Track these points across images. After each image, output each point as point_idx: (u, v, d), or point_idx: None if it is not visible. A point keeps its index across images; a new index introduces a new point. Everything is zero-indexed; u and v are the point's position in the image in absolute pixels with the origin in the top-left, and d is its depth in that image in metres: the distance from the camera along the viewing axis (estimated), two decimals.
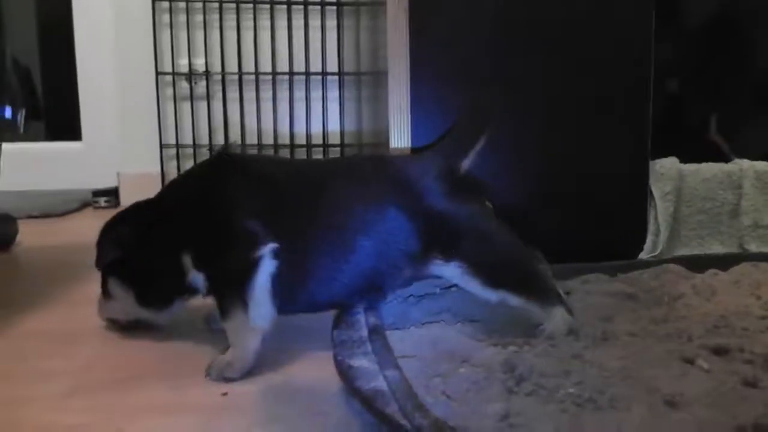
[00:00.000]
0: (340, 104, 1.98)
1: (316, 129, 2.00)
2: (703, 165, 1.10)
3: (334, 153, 1.99)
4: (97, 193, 1.97)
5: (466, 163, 0.81)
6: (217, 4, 1.94)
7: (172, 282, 0.78)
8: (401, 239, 0.75)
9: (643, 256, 1.04)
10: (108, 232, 0.83)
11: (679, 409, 0.57)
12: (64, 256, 1.36)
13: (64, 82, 2.18)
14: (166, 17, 1.95)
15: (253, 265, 0.70)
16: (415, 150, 0.94)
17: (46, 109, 2.42)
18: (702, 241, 1.07)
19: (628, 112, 1.04)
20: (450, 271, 0.75)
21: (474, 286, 0.75)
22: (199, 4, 1.94)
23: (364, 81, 1.58)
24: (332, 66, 1.98)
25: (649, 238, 1.04)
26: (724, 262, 0.97)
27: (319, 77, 1.99)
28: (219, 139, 1.97)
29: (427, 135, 0.94)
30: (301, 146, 2.01)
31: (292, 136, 2.00)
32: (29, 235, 1.46)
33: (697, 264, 0.97)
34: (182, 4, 1.94)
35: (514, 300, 0.74)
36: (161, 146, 1.96)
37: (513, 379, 0.61)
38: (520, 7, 1.00)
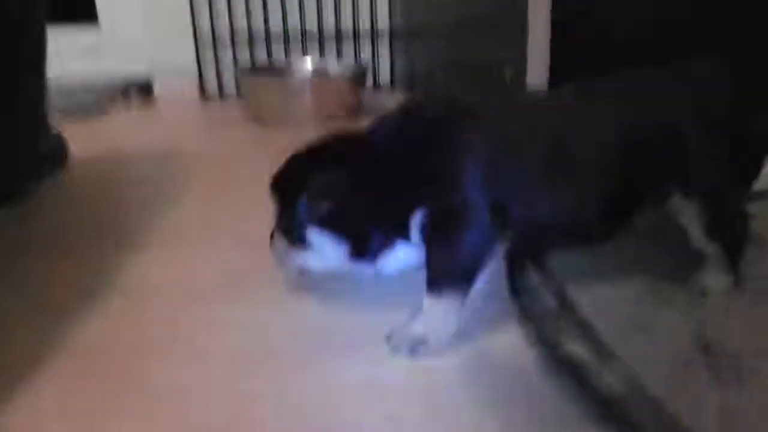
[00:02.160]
0: None
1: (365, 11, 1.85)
2: None
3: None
4: (127, 88, 1.82)
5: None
6: None
7: (394, 238, 0.67)
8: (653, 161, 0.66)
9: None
10: (312, 181, 0.68)
11: None
12: (122, 174, 1.25)
13: None
14: None
15: (485, 256, 0.63)
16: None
17: None
18: None
19: None
20: (683, 212, 0.67)
21: (693, 231, 0.68)
22: None
23: None
24: None
25: None
26: None
27: None
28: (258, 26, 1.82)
29: None
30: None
31: (338, 21, 1.84)
32: (73, 142, 1.27)
33: None
34: None
35: (719, 253, 0.68)
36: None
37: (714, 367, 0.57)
38: None
